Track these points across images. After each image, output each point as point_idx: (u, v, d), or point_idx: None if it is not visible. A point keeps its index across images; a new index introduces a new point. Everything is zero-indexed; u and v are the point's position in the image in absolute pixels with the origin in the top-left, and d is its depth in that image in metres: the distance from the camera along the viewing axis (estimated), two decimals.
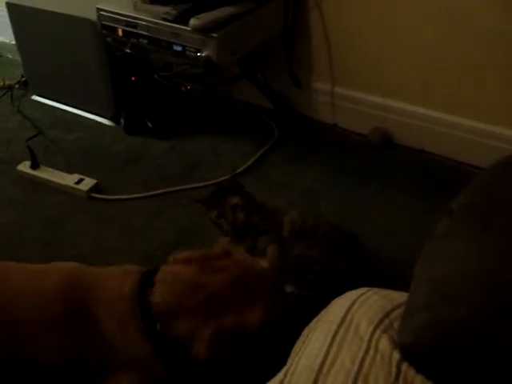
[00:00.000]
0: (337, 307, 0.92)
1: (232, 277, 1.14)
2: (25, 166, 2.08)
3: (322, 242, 1.53)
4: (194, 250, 1.21)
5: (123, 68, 2.25)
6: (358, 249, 1.55)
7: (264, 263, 1.29)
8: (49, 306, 1.16)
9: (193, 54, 1.93)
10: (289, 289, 1.46)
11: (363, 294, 0.93)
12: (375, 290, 0.94)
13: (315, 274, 1.45)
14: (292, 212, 1.64)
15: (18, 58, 2.61)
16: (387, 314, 0.87)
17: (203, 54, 1.90)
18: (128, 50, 2.10)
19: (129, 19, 2.02)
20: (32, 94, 2.60)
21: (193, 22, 1.86)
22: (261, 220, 1.61)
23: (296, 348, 0.91)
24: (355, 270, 1.48)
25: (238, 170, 2.05)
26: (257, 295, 1.14)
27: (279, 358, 0.95)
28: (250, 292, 1.13)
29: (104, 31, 2.11)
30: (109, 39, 2.13)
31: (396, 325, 0.85)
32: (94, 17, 2.11)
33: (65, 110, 2.49)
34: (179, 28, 1.92)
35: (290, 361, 0.88)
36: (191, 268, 1.16)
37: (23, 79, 2.63)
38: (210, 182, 1.99)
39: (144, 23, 1.99)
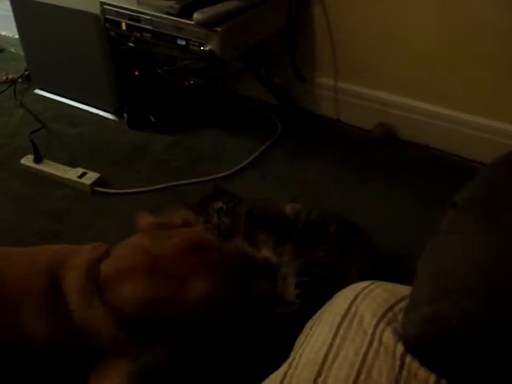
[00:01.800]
0: (341, 299, 0.92)
1: (181, 245, 1.10)
2: (28, 160, 2.08)
3: (331, 240, 1.54)
4: (155, 217, 1.18)
5: (126, 62, 2.24)
6: (369, 245, 1.55)
7: (229, 245, 1.26)
8: (32, 291, 1.16)
9: (196, 48, 1.93)
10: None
11: (367, 286, 0.93)
12: (379, 283, 0.94)
13: (315, 275, 1.45)
14: (294, 204, 1.65)
15: (21, 52, 2.61)
16: (391, 307, 0.87)
17: (207, 48, 1.90)
18: (131, 44, 2.10)
19: (132, 13, 2.02)
20: (35, 88, 2.60)
21: (196, 15, 1.86)
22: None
23: (300, 340, 0.92)
24: (367, 268, 1.48)
25: (242, 165, 2.05)
26: (206, 269, 1.09)
27: (281, 350, 0.95)
28: (198, 264, 1.09)
29: (107, 25, 2.11)
30: (112, 33, 2.13)
31: (400, 318, 0.84)
32: (97, 10, 2.10)
33: (68, 104, 2.49)
34: (183, 22, 1.92)
35: (293, 353, 0.88)
36: (144, 236, 1.13)
37: (26, 73, 2.62)
38: (212, 177, 1.99)
39: (147, 17, 1.99)
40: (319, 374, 0.80)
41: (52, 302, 1.15)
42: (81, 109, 2.46)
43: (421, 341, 0.79)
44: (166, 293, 1.05)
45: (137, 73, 2.27)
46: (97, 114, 2.42)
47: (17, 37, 2.59)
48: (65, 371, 1.19)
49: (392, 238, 1.69)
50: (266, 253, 1.58)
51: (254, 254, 1.59)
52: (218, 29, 1.87)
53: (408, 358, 0.79)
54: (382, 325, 0.84)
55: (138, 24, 2.02)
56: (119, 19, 2.06)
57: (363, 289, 0.92)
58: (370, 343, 0.81)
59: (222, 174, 2.00)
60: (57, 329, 1.15)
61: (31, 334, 1.15)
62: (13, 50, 2.96)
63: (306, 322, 0.98)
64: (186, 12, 1.91)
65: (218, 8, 1.90)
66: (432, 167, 2.06)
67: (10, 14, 2.43)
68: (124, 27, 2.07)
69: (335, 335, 0.84)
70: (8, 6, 2.43)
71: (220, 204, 1.66)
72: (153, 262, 1.07)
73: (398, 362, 0.78)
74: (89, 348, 1.16)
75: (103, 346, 1.16)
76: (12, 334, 1.16)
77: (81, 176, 2.00)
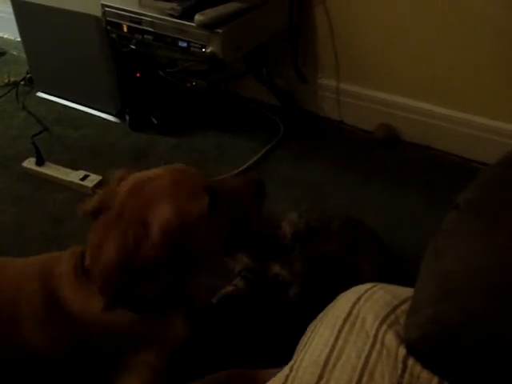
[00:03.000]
0: (343, 302, 0.92)
1: (125, 190, 1.12)
2: (30, 163, 2.09)
3: (338, 234, 1.52)
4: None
5: (128, 64, 2.25)
6: (378, 237, 1.54)
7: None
8: (28, 302, 1.17)
9: (198, 50, 1.93)
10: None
11: (369, 289, 0.92)
12: (381, 285, 0.94)
13: (326, 269, 1.44)
14: (292, 214, 1.63)
15: (23, 54, 2.62)
16: (393, 309, 0.86)
17: (208, 50, 1.90)
18: (133, 46, 2.10)
19: (134, 15, 2.02)
20: (37, 91, 2.60)
21: (198, 17, 1.86)
22: None
23: (302, 343, 0.91)
24: (379, 260, 1.46)
25: (244, 167, 2.05)
26: (160, 196, 1.10)
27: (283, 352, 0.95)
28: (150, 194, 1.11)
29: (109, 27, 2.11)
30: (114, 35, 2.13)
31: (402, 320, 0.84)
32: (98, 13, 2.11)
33: (70, 107, 2.49)
34: (184, 24, 1.92)
35: (295, 356, 0.88)
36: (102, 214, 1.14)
37: (28, 76, 2.63)
38: (215, 179, 1.98)
39: (149, 19, 1.99)
40: (321, 376, 0.79)
41: (49, 310, 1.16)
42: (83, 111, 2.46)
43: (423, 343, 0.78)
44: (129, 240, 1.05)
45: (138, 75, 2.27)
46: (99, 117, 2.42)
47: (19, 39, 2.60)
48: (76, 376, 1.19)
49: (395, 239, 1.68)
50: (275, 269, 1.55)
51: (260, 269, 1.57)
52: (220, 31, 1.87)
53: (410, 361, 0.79)
54: (384, 327, 0.83)
55: (139, 26, 2.02)
56: (121, 21, 2.07)
57: (365, 291, 0.92)
58: (372, 346, 0.81)
59: (225, 176, 1.99)
60: (59, 336, 1.16)
61: (32, 345, 1.15)
62: (14, 53, 2.97)
63: (308, 313, 0.97)
64: (187, 14, 1.91)
65: (220, 10, 1.90)
66: (434, 168, 2.06)
67: (12, 16, 2.44)
68: (125, 29, 2.07)
69: (337, 338, 0.84)
70: (10, 9, 2.44)
71: None
72: (115, 222, 1.08)
73: (400, 365, 0.78)
74: (101, 350, 1.17)
75: (121, 340, 1.17)
76: (11, 347, 1.17)
77: (83, 178, 2.00)
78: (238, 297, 1.51)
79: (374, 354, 0.80)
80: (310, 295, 1.40)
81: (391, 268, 1.46)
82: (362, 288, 0.93)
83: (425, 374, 0.77)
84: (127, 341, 1.18)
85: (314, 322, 0.94)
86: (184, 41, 1.95)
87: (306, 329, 0.96)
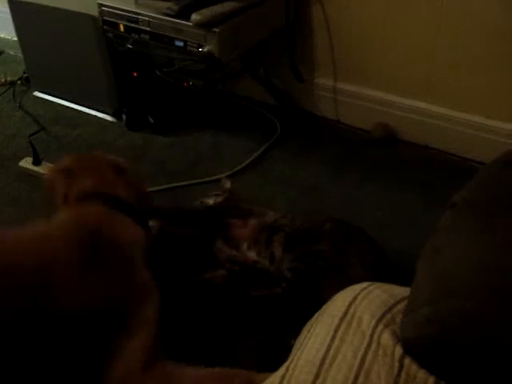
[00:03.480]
0: (339, 301, 0.92)
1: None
2: (27, 162, 2.08)
3: (329, 236, 1.52)
4: None
5: (125, 63, 2.24)
6: (369, 237, 1.54)
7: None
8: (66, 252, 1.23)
9: (195, 49, 1.93)
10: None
11: (365, 288, 0.92)
12: (377, 284, 0.94)
13: (311, 265, 1.45)
14: (271, 213, 1.65)
15: (19, 54, 2.61)
16: (389, 309, 0.87)
17: (205, 49, 1.90)
18: (130, 46, 2.09)
19: (130, 14, 2.02)
20: (34, 91, 2.60)
21: (194, 16, 1.86)
22: None
23: (298, 342, 0.91)
24: (370, 260, 1.46)
25: (241, 166, 2.06)
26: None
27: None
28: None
29: (105, 26, 2.11)
30: (110, 35, 2.12)
31: (398, 319, 0.84)
32: (95, 12, 2.10)
33: (67, 106, 2.49)
34: (181, 23, 1.91)
35: (291, 355, 0.88)
36: None
37: (25, 75, 2.62)
38: (212, 178, 1.99)
39: (145, 18, 1.98)
40: (317, 376, 0.79)
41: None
42: (79, 111, 2.45)
43: (420, 342, 0.78)
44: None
45: (135, 74, 2.27)
46: (95, 116, 2.41)
47: (15, 39, 2.59)
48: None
49: (392, 238, 1.68)
50: (253, 256, 1.57)
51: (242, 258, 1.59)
52: (216, 30, 1.86)
53: (407, 360, 0.79)
54: (380, 326, 0.83)
55: (135, 25, 2.02)
56: (117, 21, 2.06)
57: (362, 290, 0.92)
58: (369, 345, 0.81)
59: (222, 175, 1.99)
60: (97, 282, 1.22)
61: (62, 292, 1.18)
62: (11, 52, 2.96)
63: (290, 307, 0.98)
64: (184, 13, 1.90)
65: (216, 9, 1.90)
66: (432, 167, 2.06)
67: (9, 16, 2.43)
68: (122, 29, 2.07)
69: (333, 337, 0.84)
70: (6, 9, 2.43)
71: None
72: None
73: (396, 364, 0.78)
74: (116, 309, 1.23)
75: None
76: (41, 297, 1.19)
77: None
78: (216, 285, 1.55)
79: (371, 354, 0.80)
80: (296, 290, 1.41)
81: (385, 268, 1.46)
82: (358, 287, 0.93)
83: (421, 374, 0.77)
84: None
85: (310, 322, 0.94)
86: (181, 40, 1.94)
87: (286, 311, 0.97)
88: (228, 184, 1.82)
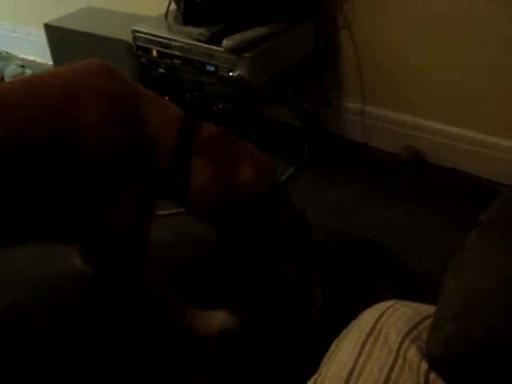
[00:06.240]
0: (366, 318, 0.93)
1: None
2: None
3: (360, 260, 1.54)
4: None
5: (157, 88, 2.28)
6: (396, 262, 1.55)
7: None
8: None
9: (225, 73, 1.97)
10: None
11: (392, 305, 0.93)
12: (404, 302, 0.95)
13: (343, 291, 1.46)
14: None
15: None
16: (416, 325, 0.88)
17: (235, 74, 1.94)
18: (162, 70, 2.14)
19: (163, 40, 2.07)
20: None
21: (226, 42, 1.90)
22: None
23: (326, 356, 0.93)
24: (397, 284, 1.47)
25: None
26: None
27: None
28: None
29: (139, 52, 2.17)
30: (143, 60, 2.18)
31: (425, 335, 0.85)
32: (129, 38, 2.17)
33: None
34: (212, 49, 1.96)
35: (320, 369, 0.89)
36: None
37: None
38: None
39: (178, 44, 2.04)
40: None
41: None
42: None
43: (446, 358, 0.79)
44: None
45: (167, 98, 2.31)
46: None
47: (51, 63, 2.66)
48: None
49: (419, 261, 1.68)
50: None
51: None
52: (247, 55, 1.91)
53: (432, 376, 0.80)
54: (406, 342, 0.84)
55: (168, 51, 2.08)
56: (150, 46, 2.12)
57: (388, 307, 0.93)
58: (395, 360, 0.82)
59: None
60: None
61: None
62: None
63: (327, 335, 0.99)
64: (215, 39, 1.95)
65: (247, 34, 1.94)
66: (459, 190, 2.05)
67: (45, 41, 2.52)
68: (155, 54, 2.12)
69: (360, 352, 0.85)
70: (43, 34, 2.51)
71: None
72: None
73: (422, 379, 0.79)
74: None
75: None
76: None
77: None
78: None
79: (397, 369, 0.81)
80: (329, 316, 1.41)
81: (411, 291, 1.46)
82: (384, 305, 0.95)
83: None
84: None
85: (339, 337, 0.96)
86: (212, 65, 1.99)
87: (324, 339, 0.98)
88: None
